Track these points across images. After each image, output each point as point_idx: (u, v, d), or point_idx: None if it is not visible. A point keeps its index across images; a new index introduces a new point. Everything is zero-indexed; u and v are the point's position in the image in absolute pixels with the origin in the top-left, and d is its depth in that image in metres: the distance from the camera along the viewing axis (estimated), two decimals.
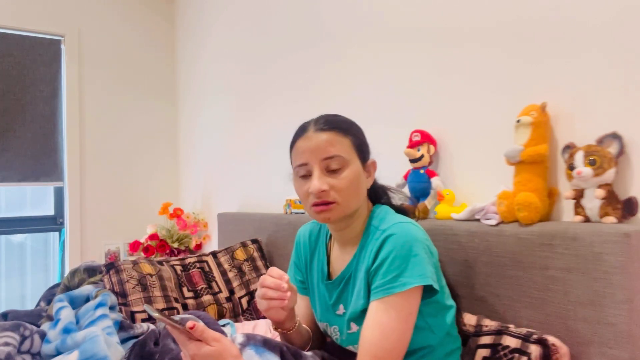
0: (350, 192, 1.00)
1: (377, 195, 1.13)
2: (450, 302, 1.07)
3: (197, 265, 1.99)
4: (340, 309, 1.07)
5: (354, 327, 1.03)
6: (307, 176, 1.02)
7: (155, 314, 0.81)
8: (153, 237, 2.80)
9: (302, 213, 1.96)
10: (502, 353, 1.06)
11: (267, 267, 2.05)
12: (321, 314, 1.14)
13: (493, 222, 1.23)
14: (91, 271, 1.82)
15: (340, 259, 1.10)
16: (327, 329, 1.13)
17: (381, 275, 0.94)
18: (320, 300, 1.14)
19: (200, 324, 0.84)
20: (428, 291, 0.97)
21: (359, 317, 1.00)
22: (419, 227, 1.00)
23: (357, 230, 1.06)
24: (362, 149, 1.05)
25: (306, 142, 1.01)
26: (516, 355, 1.04)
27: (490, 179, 1.34)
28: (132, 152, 3.22)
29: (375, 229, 1.01)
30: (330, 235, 1.16)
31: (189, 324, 0.83)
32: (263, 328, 1.62)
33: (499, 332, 1.10)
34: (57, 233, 3.08)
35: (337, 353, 1.13)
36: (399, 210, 1.10)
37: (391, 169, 1.52)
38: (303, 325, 1.17)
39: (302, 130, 1.04)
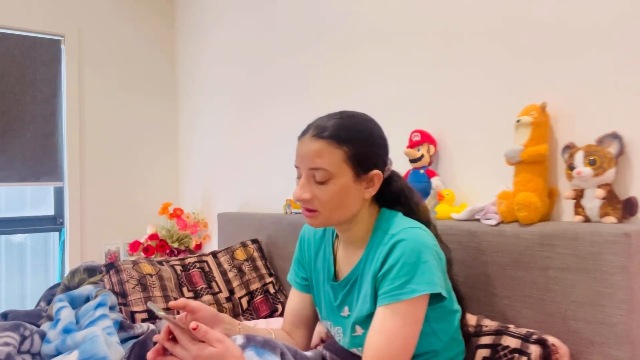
0: (332, 205, 0.99)
1: (388, 203, 1.09)
2: (457, 306, 1.06)
3: (197, 265, 1.99)
4: (345, 311, 1.07)
5: (359, 330, 1.03)
6: (300, 177, 1.03)
7: (160, 313, 0.81)
8: (153, 237, 2.79)
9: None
10: (502, 353, 1.06)
11: (267, 267, 2.05)
12: (326, 313, 1.13)
13: (493, 222, 1.23)
14: (91, 271, 1.82)
15: (346, 260, 1.09)
16: (330, 328, 1.13)
17: (389, 281, 0.93)
18: (326, 300, 1.13)
19: (203, 325, 0.84)
20: (436, 297, 0.96)
21: (365, 321, 1.00)
22: (427, 232, 0.99)
23: (361, 232, 1.05)
24: (360, 160, 0.99)
25: (301, 146, 1.01)
26: (516, 355, 1.04)
27: (490, 179, 1.34)
28: (132, 152, 3.22)
29: (383, 233, 1.00)
30: (337, 235, 1.15)
31: (192, 324, 0.82)
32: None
33: (499, 332, 1.10)
34: (57, 233, 3.08)
35: (338, 353, 1.13)
36: (408, 213, 1.06)
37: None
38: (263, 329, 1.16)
39: (305, 131, 1.03)
